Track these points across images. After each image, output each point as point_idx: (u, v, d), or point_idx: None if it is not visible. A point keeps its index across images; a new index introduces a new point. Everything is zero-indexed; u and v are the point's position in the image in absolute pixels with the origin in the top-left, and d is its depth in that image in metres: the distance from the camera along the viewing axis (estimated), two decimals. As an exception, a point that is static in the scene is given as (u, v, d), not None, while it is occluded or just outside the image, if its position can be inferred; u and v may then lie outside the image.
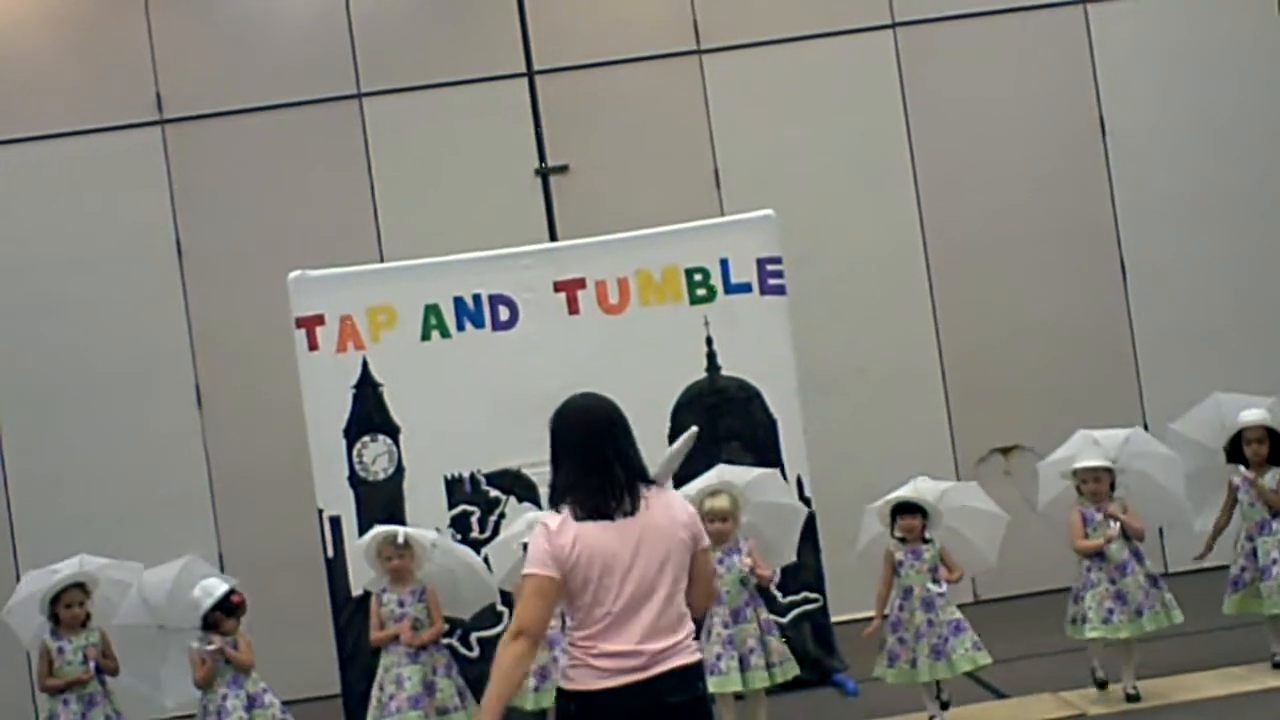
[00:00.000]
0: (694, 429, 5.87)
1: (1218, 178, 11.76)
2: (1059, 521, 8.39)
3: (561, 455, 4.84)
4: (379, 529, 8.32)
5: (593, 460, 4.77)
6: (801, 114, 11.72)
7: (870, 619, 8.13)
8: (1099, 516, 8.21)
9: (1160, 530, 10.64)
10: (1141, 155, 11.78)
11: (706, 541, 4.93)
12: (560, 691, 4.82)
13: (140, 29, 11.57)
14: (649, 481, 4.83)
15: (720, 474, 8.27)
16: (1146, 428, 10.15)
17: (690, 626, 4.80)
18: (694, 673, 4.79)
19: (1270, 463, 8.40)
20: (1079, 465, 8.25)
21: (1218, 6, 11.88)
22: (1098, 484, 8.23)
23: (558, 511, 4.78)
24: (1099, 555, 8.17)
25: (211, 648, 7.83)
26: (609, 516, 4.72)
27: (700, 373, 9.64)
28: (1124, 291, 11.72)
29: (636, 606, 4.69)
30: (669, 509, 4.82)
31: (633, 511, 4.74)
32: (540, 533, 4.75)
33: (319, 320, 9.54)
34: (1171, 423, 8.83)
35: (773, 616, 8.53)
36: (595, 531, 4.71)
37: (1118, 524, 8.17)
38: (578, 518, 4.73)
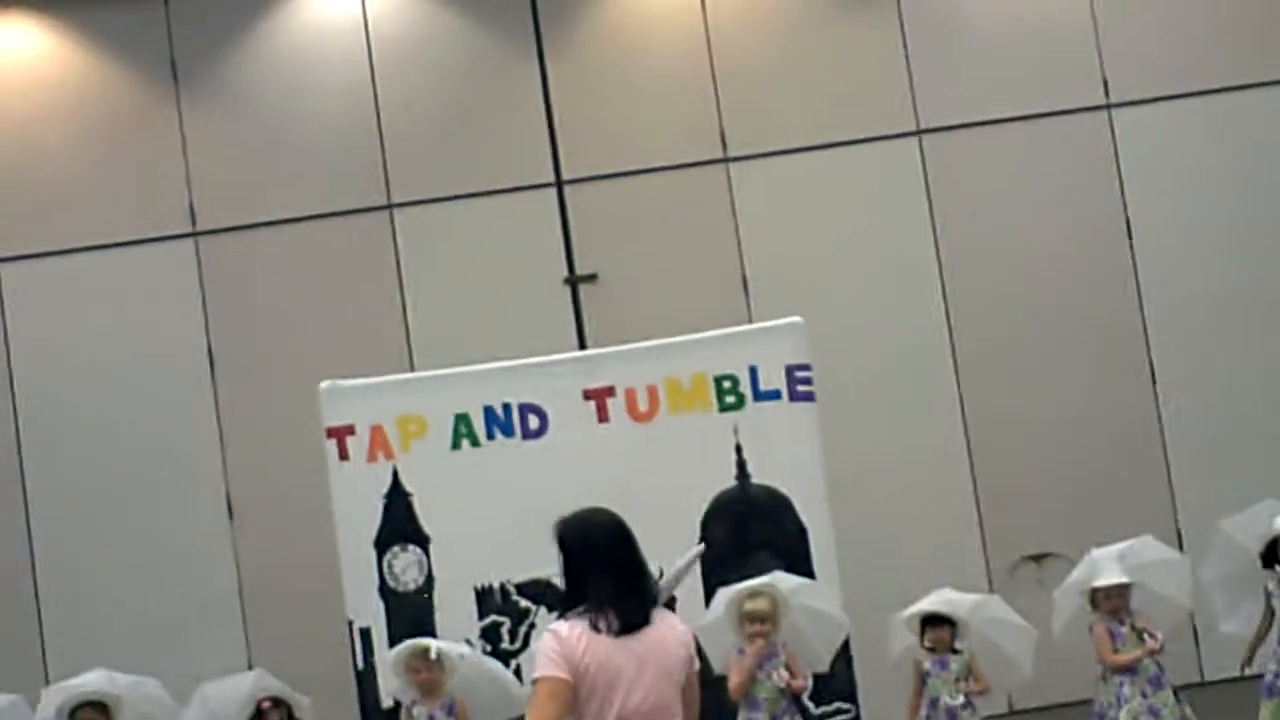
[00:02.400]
0: (700, 546, 5.88)
1: (1244, 278, 11.75)
2: (1075, 644, 8.33)
3: (585, 566, 4.85)
4: (409, 642, 8.31)
5: (625, 574, 4.80)
6: (828, 220, 11.79)
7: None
8: (1125, 630, 8.16)
9: (1195, 636, 10.62)
10: (1168, 256, 11.79)
11: (697, 664, 4.94)
12: None
13: (174, 140, 11.72)
14: (655, 601, 4.88)
15: (765, 578, 8.26)
16: (1179, 532, 10.14)
17: None
18: None
19: (1307, 571, 8.34)
20: (1099, 583, 8.21)
21: (1241, 108, 11.93)
22: (1119, 599, 8.20)
23: (566, 620, 4.80)
24: (1130, 670, 8.11)
25: None
26: (631, 629, 4.73)
27: (730, 481, 9.62)
28: (1153, 392, 11.70)
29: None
30: (673, 627, 4.87)
31: (647, 627, 4.77)
32: (550, 638, 4.78)
33: (350, 430, 9.56)
34: (1220, 521, 8.74)
35: (806, 725, 8.49)
36: (607, 646, 4.73)
37: (1156, 640, 8.11)
38: (598, 629, 4.74)
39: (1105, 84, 11.94)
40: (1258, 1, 12.00)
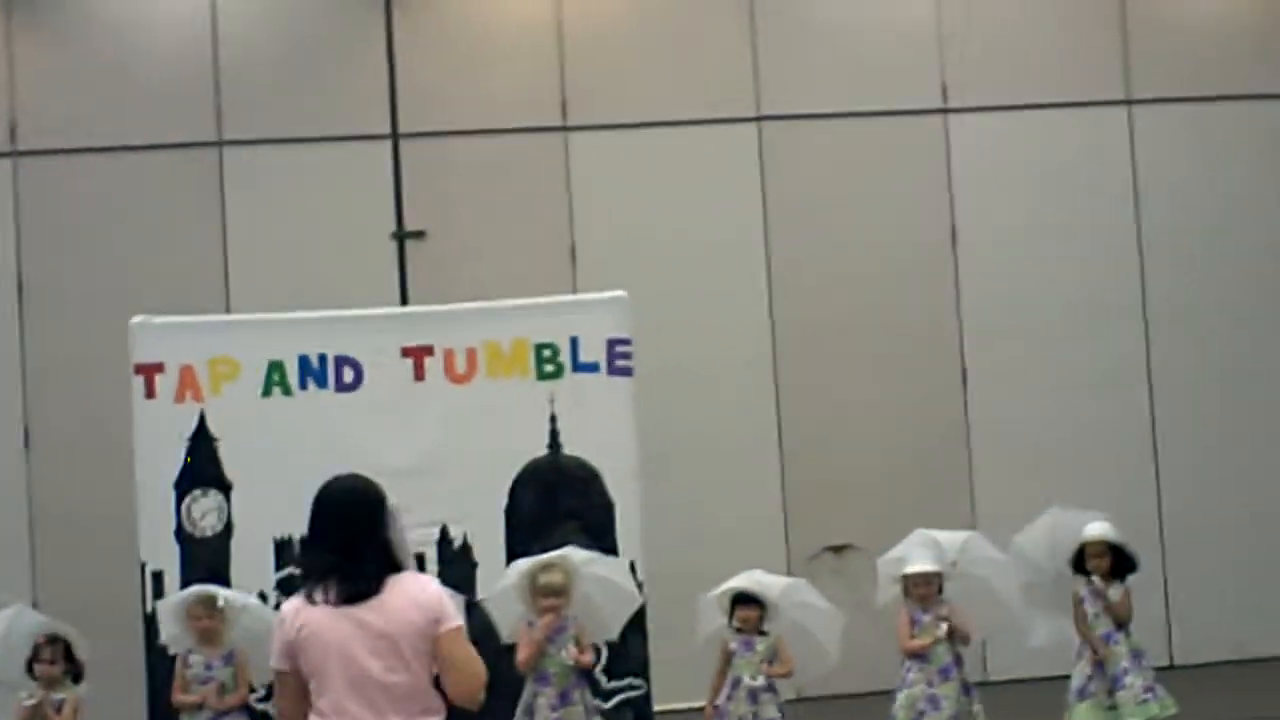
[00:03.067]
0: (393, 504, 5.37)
1: (1060, 290, 12.03)
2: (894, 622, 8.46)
3: (311, 535, 4.82)
4: (193, 588, 8.18)
5: (339, 544, 4.73)
6: (662, 198, 11.82)
7: (701, 709, 8.12)
8: (927, 619, 8.27)
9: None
10: (990, 261, 12.03)
11: (455, 623, 4.77)
12: None
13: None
14: (395, 568, 4.76)
15: (558, 552, 8.25)
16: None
17: (439, 712, 4.73)
18: None
19: (1112, 576, 8.53)
20: (909, 570, 8.33)
21: (1072, 123, 12.19)
22: (927, 587, 8.30)
23: (300, 593, 4.77)
24: (922, 657, 8.23)
25: (30, 702, 7.61)
26: (345, 602, 4.66)
27: (542, 449, 9.58)
28: (963, 396, 11.93)
29: (367, 694, 4.63)
30: (408, 592, 4.73)
31: (367, 598, 4.68)
32: (277, 621, 4.76)
33: (159, 368, 9.33)
34: (1015, 535, 8.87)
35: (596, 701, 8.50)
36: (324, 617, 4.67)
37: (946, 625, 8.24)
38: (313, 601, 4.69)
39: (944, 89, 12.11)
40: (1096, 21, 12.24)
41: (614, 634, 8.74)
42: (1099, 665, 8.47)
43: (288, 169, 11.51)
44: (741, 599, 8.14)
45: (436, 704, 4.73)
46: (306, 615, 4.69)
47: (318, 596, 4.69)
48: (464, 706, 4.77)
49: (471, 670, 4.77)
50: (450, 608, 4.77)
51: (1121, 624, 8.50)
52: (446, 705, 4.81)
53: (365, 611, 4.66)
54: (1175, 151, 12.25)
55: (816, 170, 12.01)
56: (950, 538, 8.58)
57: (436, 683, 4.78)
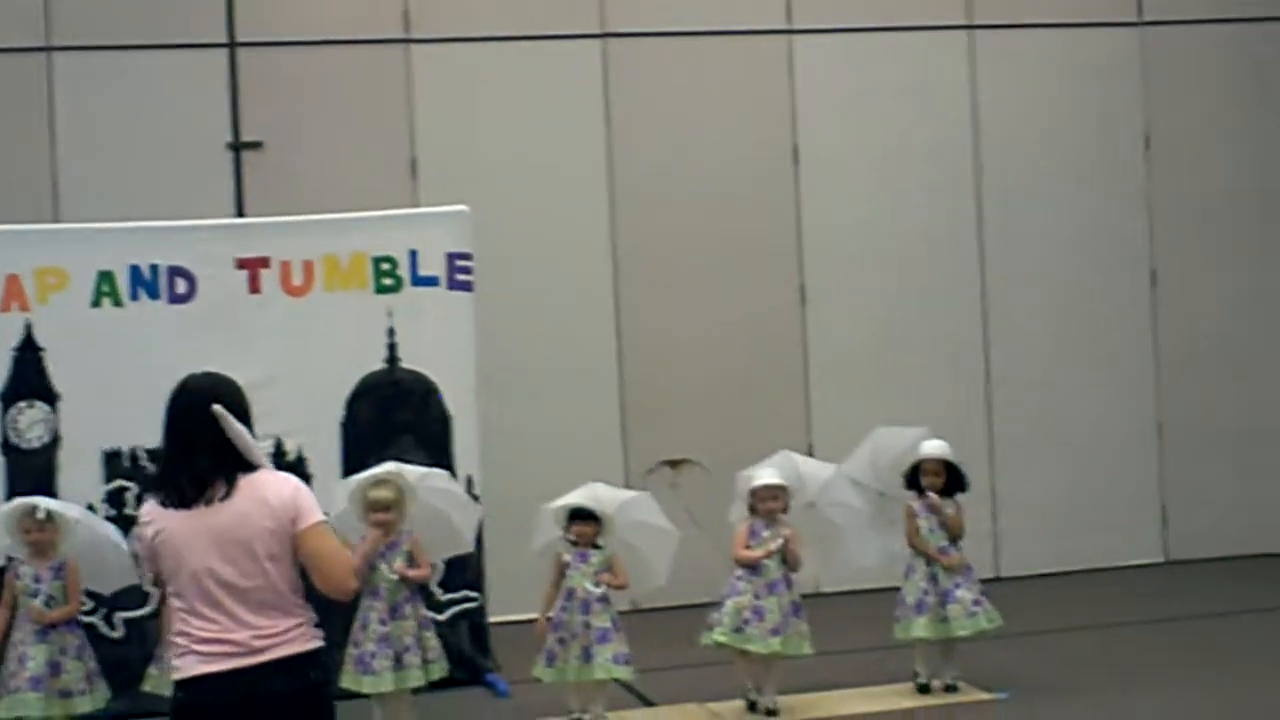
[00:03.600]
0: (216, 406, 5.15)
1: (899, 212, 12.17)
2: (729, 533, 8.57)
3: (165, 434, 4.75)
4: (19, 500, 8.04)
5: (184, 445, 4.67)
6: (505, 113, 11.72)
7: (534, 620, 8.19)
8: (766, 534, 8.38)
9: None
10: (830, 185, 12.12)
11: (313, 519, 4.67)
12: (173, 684, 4.71)
13: None
14: (248, 468, 4.68)
15: (388, 466, 8.22)
16: (811, 451, 10.48)
17: (301, 614, 4.69)
18: (305, 661, 4.67)
19: (945, 493, 8.70)
20: (757, 483, 8.43)
21: (915, 46, 12.29)
22: (774, 502, 8.40)
23: (147, 500, 4.75)
24: (753, 569, 8.34)
25: None
26: (189, 505, 4.61)
27: (379, 363, 9.56)
28: (801, 315, 12.05)
29: (224, 596, 4.58)
30: (260, 492, 4.65)
31: (220, 499, 4.62)
32: (137, 527, 4.74)
33: (-17, 277, 9.14)
34: (843, 466, 8.98)
35: (430, 614, 8.52)
36: (176, 520, 4.62)
37: (783, 540, 8.36)
38: (164, 505, 4.65)
39: (789, 10, 12.15)
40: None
41: (469, 546, 8.75)
42: (933, 579, 8.64)
43: (120, 76, 11.21)
44: (578, 514, 8.18)
45: (298, 608, 4.68)
46: (161, 519, 4.63)
47: (166, 500, 4.63)
48: (336, 599, 4.75)
49: (337, 562, 4.71)
50: (309, 503, 4.68)
51: (955, 539, 8.68)
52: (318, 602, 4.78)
53: (217, 514, 4.59)
54: (1014, 75, 12.40)
55: (660, 89, 11.99)
56: (814, 472, 8.68)
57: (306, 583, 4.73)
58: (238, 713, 4.57)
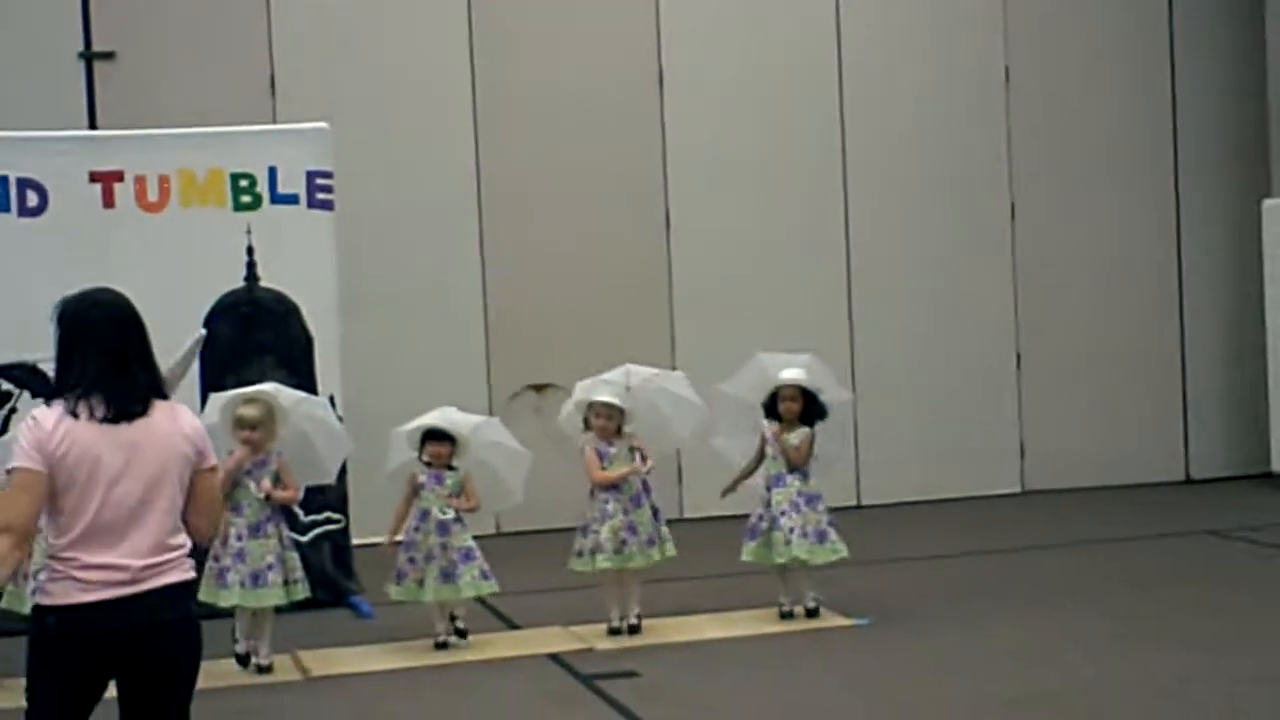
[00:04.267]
0: (201, 332, 5.31)
1: (763, 137, 12.16)
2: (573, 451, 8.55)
3: (77, 348, 4.51)
4: None
5: (116, 358, 4.48)
6: (366, 30, 11.54)
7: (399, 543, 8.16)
8: (613, 450, 8.38)
9: (680, 475, 11.08)
10: (694, 109, 12.07)
11: (213, 460, 4.66)
12: (37, 608, 4.48)
13: None
14: (160, 392, 4.57)
15: (263, 386, 8.09)
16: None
17: (184, 543, 4.56)
18: (185, 590, 4.56)
19: (802, 422, 8.71)
20: (592, 399, 8.42)
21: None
22: (609, 420, 8.40)
23: (50, 406, 4.47)
24: (615, 488, 8.36)
25: None
26: (121, 419, 4.43)
27: (238, 282, 9.37)
28: (666, 240, 12.03)
29: (124, 518, 4.42)
30: (175, 419, 4.55)
31: (140, 417, 4.46)
32: (29, 425, 4.43)
33: None
34: (721, 385, 8.98)
35: (293, 535, 8.41)
36: (90, 433, 4.41)
37: (636, 462, 8.36)
38: (75, 416, 4.42)
39: (650, -70, 12.06)
40: None
41: (331, 477, 8.66)
42: (768, 505, 8.66)
43: (-35, -19, 10.84)
44: (432, 434, 8.17)
45: (182, 534, 4.56)
46: (70, 428, 4.38)
47: (81, 411, 4.40)
48: (202, 543, 4.72)
49: (216, 510, 4.81)
50: (209, 445, 4.64)
51: (794, 468, 8.67)
52: None
53: (134, 432, 4.42)
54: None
55: (525, 7, 11.85)
56: (640, 370, 8.68)
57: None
58: (116, 643, 4.42)
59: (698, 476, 10.76)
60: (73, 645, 4.41)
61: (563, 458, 8.78)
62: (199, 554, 4.73)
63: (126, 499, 4.42)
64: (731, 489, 8.84)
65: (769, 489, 8.68)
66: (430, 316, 11.42)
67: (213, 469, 4.67)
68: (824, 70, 12.32)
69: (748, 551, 8.72)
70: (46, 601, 4.44)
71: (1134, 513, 11.77)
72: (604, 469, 8.38)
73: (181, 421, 4.56)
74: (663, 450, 8.90)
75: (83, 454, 4.40)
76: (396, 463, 8.31)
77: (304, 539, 9.03)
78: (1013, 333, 12.68)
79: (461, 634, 8.31)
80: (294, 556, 8.08)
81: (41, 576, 4.49)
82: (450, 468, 8.20)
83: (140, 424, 4.46)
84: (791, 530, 8.55)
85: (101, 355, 4.48)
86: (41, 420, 4.43)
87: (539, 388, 11.52)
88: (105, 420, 4.42)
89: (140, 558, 4.44)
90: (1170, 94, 12.92)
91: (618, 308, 11.80)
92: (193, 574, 4.59)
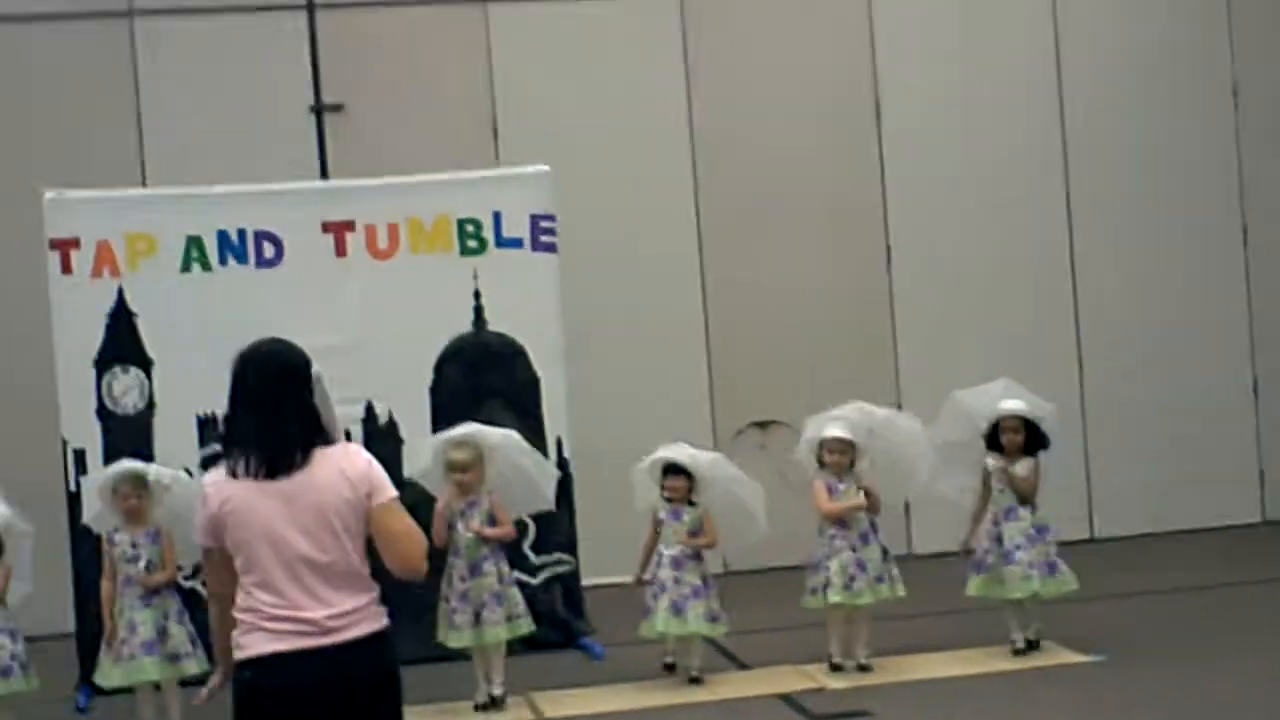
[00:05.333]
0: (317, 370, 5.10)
1: (984, 162, 12.00)
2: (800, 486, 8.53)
3: (236, 405, 4.56)
4: (121, 464, 8.08)
5: (268, 413, 4.50)
6: (584, 73, 11.67)
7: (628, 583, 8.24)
8: (843, 487, 8.35)
9: (907, 510, 10.96)
10: (913, 137, 11.98)
11: (387, 495, 4.55)
12: (236, 664, 4.52)
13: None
14: (325, 440, 4.56)
15: (468, 428, 8.24)
16: (900, 410, 10.39)
17: (372, 592, 4.54)
18: (379, 643, 4.52)
19: (1025, 452, 8.59)
20: (826, 434, 8.39)
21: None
22: (841, 455, 8.37)
23: (221, 466, 4.56)
24: (842, 524, 8.33)
25: None
26: (273, 475, 4.46)
27: (466, 326, 9.54)
28: (887, 272, 11.94)
29: (296, 571, 4.44)
30: (336, 465, 4.52)
31: (297, 469, 4.48)
32: (200, 498, 4.56)
33: (74, 244, 9.17)
34: (955, 391, 8.89)
35: (524, 576, 8.54)
36: (247, 492, 4.46)
37: (863, 495, 8.35)
38: (235, 475, 4.49)
39: (868, -39, 12.02)
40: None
41: (551, 503, 8.75)
42: (997, 540, 8.55)
43: (201, 40, 11.21)
44: (670, 469, 8.23)
45: (368, 583, 4.55)
46: (229, 491, 4.47)
47: (240, 470, 4.48)
48: (407, 579, 4.60)
49: (410, 541, 4.58)
50: (382, 478, 4.56)
51: (1025, 500, 8.56)
52: (387, 578, 4.63)
53: (291, 485, 4.45)
54: (1096, 14, 12.21)
55: (741, 46, 11.89)
56: (875, 410, 8.64)
57: (374, 557, 4.59)
58: (312, 697, 4.42)
59: (923, 512, 10.65)
60: (269, 699, 4.44)
61: (789, 493, 8.77)
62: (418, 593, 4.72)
63: (292, 552, 4.43)
64: (970, 537, 8.71)
65: (997, 523, 8.56)
66: (654, 356, 11.49)
67: (390, 501, 4.55)
68: (1044, 92, 12.13)
69: (974, 585, 8.62)
70: (241, 655, 4.48)
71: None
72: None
73: (342, 464, 4.53)
74: (899, 496, 8.81)
75: (243, 514, 4.46)
76: (644, 499, 8.40)
77: (535, 580, 9.14)
78: (1248, 356, 12.31)
79: (696, 680, 8.33)
80: (514, 592, 8.22)
81: (235, 633, 4.53)
82: (691, 503, 8.26)
83: (299, 476, 4.47)
84: (1031, 566, 8.44)
85: (255, 411, 4.52)
86: (206, 490, 4.54)
87: (763, 424, 11.52)
88: (261, 477, 4.47)
89: (324, 608, 4.44)
90: None
91: (840, 341, 11.73)
92: (384, 622, 4.55)
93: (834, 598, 8.31)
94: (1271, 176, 12.30)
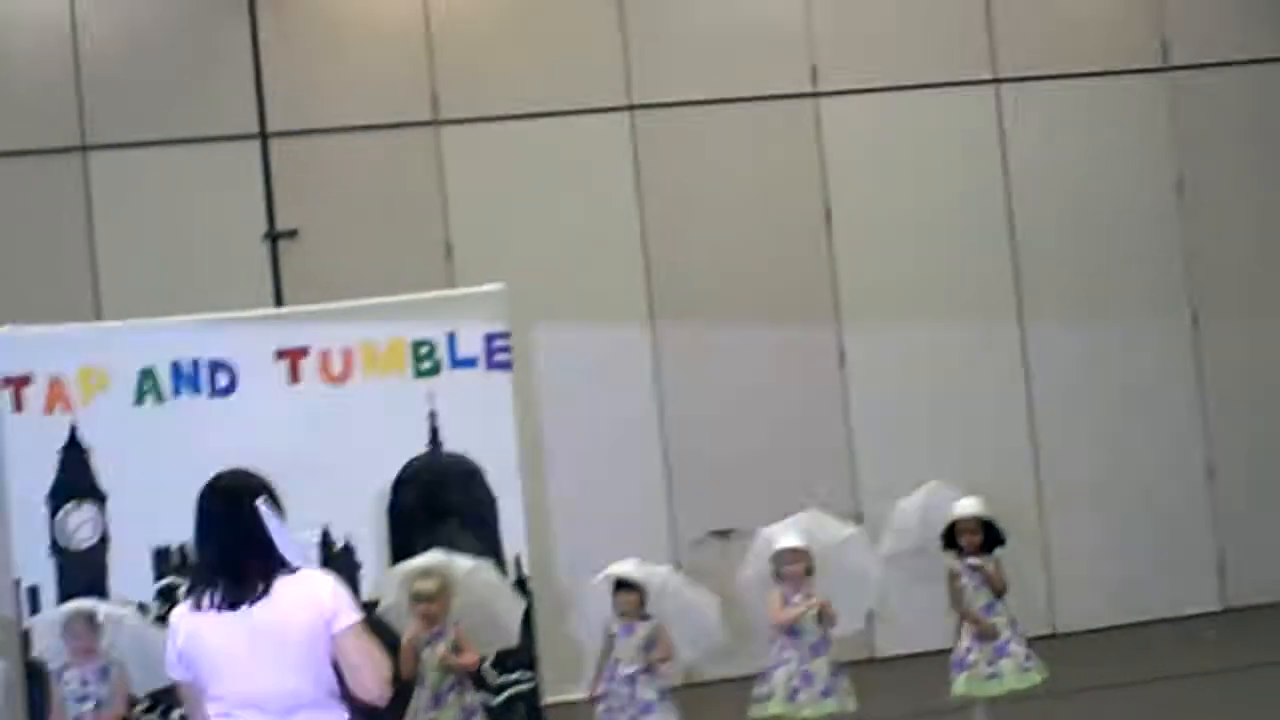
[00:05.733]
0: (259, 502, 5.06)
1: (934, 269, 12.15)
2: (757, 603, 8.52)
3: (199, 537, 4.66)
4: (71, 604, 8.07)
5: (230, 544, 4.59)
6: (537, 190, 11.78)
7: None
8: (797, 598, 8.36)
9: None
10: (863, 245, 12.11)
11: (351, 620, 4.60)
12: None
13: None
14: (287, 567, 4.62)
15: (434, 557, 8.23)
16: (860, 514, 10.45)
17: (339, 715, 4.58)
18: None
19: (984, 549, 8.66)
20: (779, 545, 8.41)
21: (940, 102, 12.31)
22: (796, 565, 8.38)
23: (188, 600, 4.62)
24: (793, 633, 8.32)
25: None
26: (236, 606, 4.52)
27: (422, 447, 9.54)
28: (841, 377, 12.02)
29: (261, 700, 4.49)
30: (299, 592, 4.58)
31: (260, 599, 4.54)
32: (170, 632, 4.64)
33: (26, 380, 9.17)
34: (899, 500, 8.97)
35: (485, 694, 8.50)
36: (213, 624, 4.53)
37: (816, 601, 8.33)
38: (200, 607, 4.56)
39: (814, 72, 12.18)
40: (955, 8, 12.35)
41: (514, 639, 8.75)
42: (977, 637, 8.58)
43: (154, 172, 11.32)
44: (621, 585, 8.22)
45: (336, 709, 4.60)
46: (194, 622, 4.54)
47: (204, 601, 4.55)
48: (370, 703, 4.63)
49: (373, 666, 4.61)
50: (346, 603, 4.61)
51: (999, 594, 8.63)
52: (353, 704, 4.68)
53: (254, 615, 4.51)
54: (1041, 127, 12.39)
55: (690, 157, 12.03)
56: (833, 530, 8.65)
57: (341, 680, 4.63)
58: None
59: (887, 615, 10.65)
60: None
61: (750, 604, 8.76)
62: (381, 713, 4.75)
63: (254, 683, 4.48)
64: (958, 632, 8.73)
65: (977, 621, 8.58)
66: (611, 469, 11.52)
67: (354, 626, 4.58)
68: (991, 195, 12.29)
69: (960, 685, 8.59)
70: None
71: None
72: (787, 611, 8.38)
73: (305, 590, 4.59)
74: (855, 613, 8.82)
75: (205, 646, 4.52)
76: (596, 616, 8.38)
77: (497, 700, 9.10)
78: (1203, 442, 12.39)
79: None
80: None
81: None
82: (644, 617, 8.25)
83: (261, 605, 4.52)
84: (1028, 658, 8.49)
85: (217, 543, 4.62)
86: (173, 621, 4.62)
87: (722, 533, 11.54)
88: (225, 608, 4.52)
89: None
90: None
91: (797, 446, 11.78)
92: None
93: (774, 709, 8.27)
94: (1217, 263, 12.45)
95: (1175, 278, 12.46)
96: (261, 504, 4.65)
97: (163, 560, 9.14)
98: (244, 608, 4.52)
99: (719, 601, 8.52)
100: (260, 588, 4.54)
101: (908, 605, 8.94)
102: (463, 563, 8.32)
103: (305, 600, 4.56)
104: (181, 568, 9.12)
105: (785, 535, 8.45)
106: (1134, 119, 12.54)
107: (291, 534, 4.76)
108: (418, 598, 8.00)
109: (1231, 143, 12.59)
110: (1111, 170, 12.45)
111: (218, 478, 4.78)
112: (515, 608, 8.63)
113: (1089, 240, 12.35)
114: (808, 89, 12.19)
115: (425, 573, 8.11)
